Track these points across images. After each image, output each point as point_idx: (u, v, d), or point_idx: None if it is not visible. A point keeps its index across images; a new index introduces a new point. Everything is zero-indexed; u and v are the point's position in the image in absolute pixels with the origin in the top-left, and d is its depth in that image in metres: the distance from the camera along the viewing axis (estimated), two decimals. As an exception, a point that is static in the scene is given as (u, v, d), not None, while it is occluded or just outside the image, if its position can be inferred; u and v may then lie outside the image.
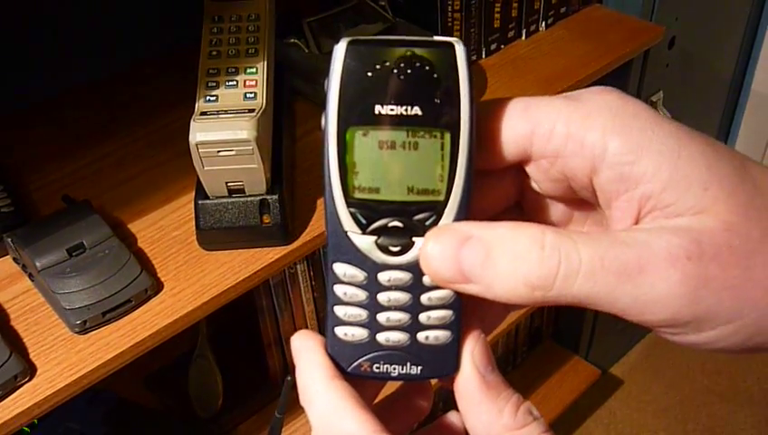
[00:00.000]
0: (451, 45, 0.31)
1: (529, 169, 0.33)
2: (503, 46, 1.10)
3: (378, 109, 0.31)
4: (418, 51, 0.31)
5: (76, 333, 0.70)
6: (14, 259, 0.76)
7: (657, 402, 1.75)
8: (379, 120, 0.31)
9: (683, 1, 1.29)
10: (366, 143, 0.31)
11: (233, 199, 0.75)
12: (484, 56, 1.08)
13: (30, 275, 0.74)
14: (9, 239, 0.74)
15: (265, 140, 0.73)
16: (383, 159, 0.32)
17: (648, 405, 1.75)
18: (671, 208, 0.29)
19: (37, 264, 0.71)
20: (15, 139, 0.93)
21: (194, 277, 0.75)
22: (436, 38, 0.31)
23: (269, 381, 1.08)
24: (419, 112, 0.31)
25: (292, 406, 1.12)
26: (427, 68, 0.31)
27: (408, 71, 0.31)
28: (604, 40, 1.13)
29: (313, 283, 1.02)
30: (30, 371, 0.67)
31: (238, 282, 0.75)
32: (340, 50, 0.31)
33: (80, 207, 0.78)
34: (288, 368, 1.07)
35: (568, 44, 1.12)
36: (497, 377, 0.33)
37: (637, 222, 0.30)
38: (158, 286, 0.74)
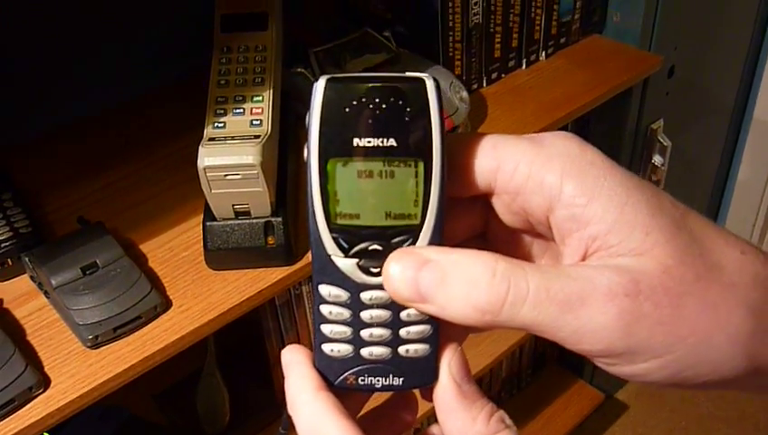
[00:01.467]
0: (422, 81, 0.33)
1: (493, 200, 0.36)
2: (503, 75, 1.14)
3: (356, 141, 0.33)
4: (392, 86, 0.33)
5: (88, 347, 0.73)
6: (31, 277, 0.80)
7: (661, 428, 1.76)
8: (357, 152, 0.33)
9: (681, 31, 1.32)
10: (346, 173, 0.34)
11: (239, 221, 0.78)
12: (485, 85, 1.11)
13: (45, 293, 0.78)
14: (26, 258, 0.78)
15: (270, 164, 0.76)
16: (362, 188, 0.34)
17: (652, 430, 1.75)
18: (614, 249, 0.31)
19: (53, 281, 0.75)
20: (34, 164, 0.97)
21: (201, 295, 0.78)
22: (408, 74, 0.34)
23: (275, 400, 1.10)
24: (394, 143, 0.33)
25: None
26: (401, 102, 0.33)
27: (383, 105, 0.33)
28: (603, 69, 1.16)
29: (318, 303, 1.05)
30: (44, 383, 0.70)
31: (243, 300, 0.78)
32: (319, 87, 0.33)
33: (93, 229, 0.81)
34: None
35: (567, 74, 1.15)
36: (472, 387, 0.35)
37: (584, 259, 0.33)
38: (167, 304, 0.77)
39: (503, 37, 1.10)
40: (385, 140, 0.33)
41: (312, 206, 0.34)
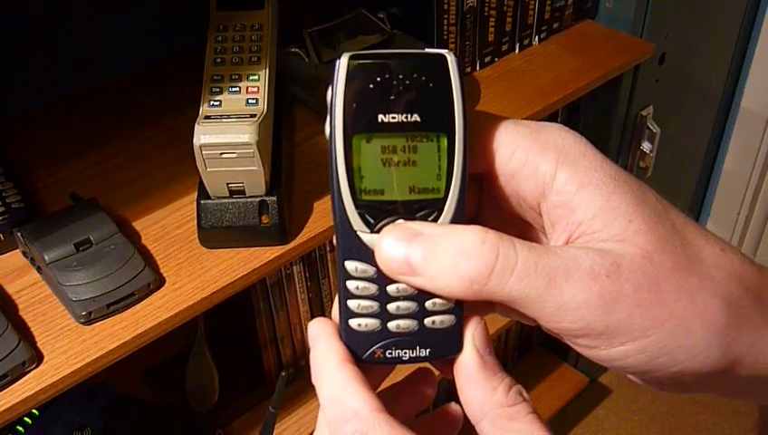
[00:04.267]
0: (443, 56, 0.34)
1: (488, 180, 0.37)
2: (496, 59, 1.14)
3: (380, 117, 0.34)
4: (414, 62, 0.34)
5: (81, 323, 0.73)
6: (23, 253, 0.80)
7: (643, 412, 1.78)
8: (381, 128, 0.34)
9: (673, 19, 1.33)
10: (370, 149, 0.34)
11: (233, 200, 0.78)
12: (478, 68, 1.12)
13: (38, 268, 0.78)
14: (19, 234, 0.78)
15: (266, 143, 0.76)
16: (386, 163, 0.34)
17: (634, 414, 1.77)
18: (597, 234, 0.33)
19: (45, 257, 0.75)
20: (27, 138, 0.97)
21: (194, 274, 0.78)
22: (429, 50, 0.35)
23: (264, 379, 1.11)
24: (418, 119, 0.34)
25: (286, 402, 1.16)
26: (423, 78, 0.34)
27: (407, 82, 0.34)
28: (595, 55, 1.16)
29: (309, 284, 1.06)
30: (37, 358, 0.70)
31: (236, 279, 0.78)
32: (342, 64, 0.34)
33: (87, 205, 0.81)
34: (282, 365, 1.11)
35: (559, 58, 1.15)
36: (494, 359, 0.36)
37: (568, 243, 0.34)
38: (160, 281, 0.77)
39: (496, 21, 1.10)
40: (409, 115, 0.34)
41: (338, 183, 0.35)
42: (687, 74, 1.49)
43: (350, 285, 0.36)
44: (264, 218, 0.79)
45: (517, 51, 1.16)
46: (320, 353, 0.36)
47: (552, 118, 1.34)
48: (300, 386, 1.10)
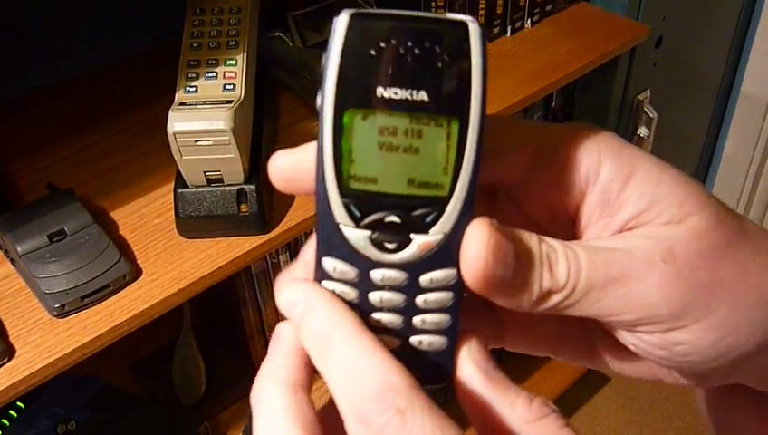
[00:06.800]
0: (464, 24, 0.28)
1: (515, 190, 0.33)
2: (487, 43, 1.11)
3: (380, 91, 0.28)
4: (428, 29, 0.28)
5: (55, 316, 0.72)
6: (-3, 244, 0.78)
7: (642, 399, 1.76)
8: (380, 104, 0.28)
9: (670, 1, 1.30)
10: (365, 128, 0.28)
11: (211, 189, 0.76)
12: (468, 52, 1.09)
13: (11, 260, 0.76)
14: (-8, 225, 0.76)
15: (244, 130, 0.74)
16: (383, 147, 0.29)
17: (633, 402, 1.76)
18: (649, 224, 0.31)
19: (18, 249, 0.73)
20: (3, 129, 0.95)
21: (172, 264, 0.76)
22: (449, 15, 0.28)
23: (251, 370, 1.09)
24: (425, 98, 0.28)
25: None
26: (437, 48, 0.28)
27: (416, 51, 0.28)
28: (589, 37, 1.14)
29: (296, 273, 1.04)
30: (9, 352, 0.69)
31: (215, 269, 0.76)
32: (341, 23, 0.28)
33: (62, 195, 0.79)
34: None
35: (553, 42, 1.13)
36: (500, 373, 0.31)
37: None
38: (136, 272, 0.75)
39: (487, 3, 1.08)
40: (415, 92, 0.28)
41: (323, 164, 0.29)
42: (685, 58, 1.47)
43: (327, 286, 0.30)
44: (243, 207, 0.77)
45: (509, 34, 1.14)
46: (322, 318, 0.29)
47: (546, 103, 1.32)
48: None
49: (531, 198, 0.33)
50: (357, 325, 0.29)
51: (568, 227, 0.33)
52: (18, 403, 1.01)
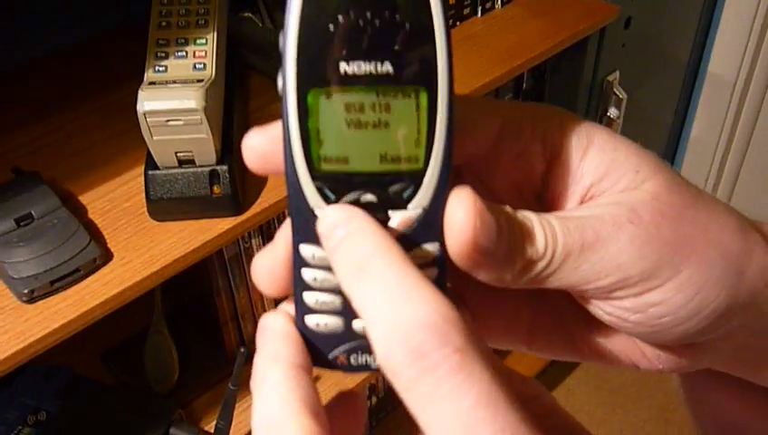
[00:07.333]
0: None
1: (486, 164, 0.34)
2: (458, 23, 1.11)
3: (342, 67, 0.27)
4: None
5: (24, 302, 0.70)
6: (-38, 230, 0.76)
7: (614, 380, 1.78)
8: (344, 80, 0.27)
9: (638, -19, 1.31)
10: (330, 106, 0.28)
11: (183, 170, 0.75)
12: (439, 33, 1.09)
13: (-22, 246, 0.74)
14: (-44, 210, 0.74)
15: (215, 110, 0.73)
16: (351, 125, 0.28)
17: (605, 383, 1.78)
18: (608, 192, 0.32)
19: (-16, 233, 0.71)
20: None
21: (144, 247, 0.75)
22: None
23: (225, 357, 1.08)
24: (390, 69, 0.27)
25: (247, 379, 1.13)
26: (398, 17, 0.27)
27: (376, 21, 0.27)
28: (559, 18, 1.14)
29: (269, 257, 1.03)
30: (-24, 339, 0.67)
31: (188, 252, 0.75)
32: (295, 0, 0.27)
33: (29, 178, 0.78)
34: (245, 342, 1.08)
35: (523, 22, 1.13)
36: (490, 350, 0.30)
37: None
38: (107, 256, 0.74)
39: (457, -17, 1.07)
40: (379, 64, 0.27)
41: (290, 148, 0.28)
42: (654, 39, 1.47)
43: (307, 274, 0.29)
44: (216, 189, 0.76)
45: (479, 14, 1.13)
46: (367, 238, 0.28)
47: (517, 84, 1.32)
48: (263, 363, 1.08)
49: (498, 173, 0.33)
50: (405, 256, 0.27)
51: (533, 205, 0.33)
52: (-15, 394, 0.99)
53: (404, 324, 0.25)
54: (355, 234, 0.27)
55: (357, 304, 0.26)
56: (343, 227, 0.28)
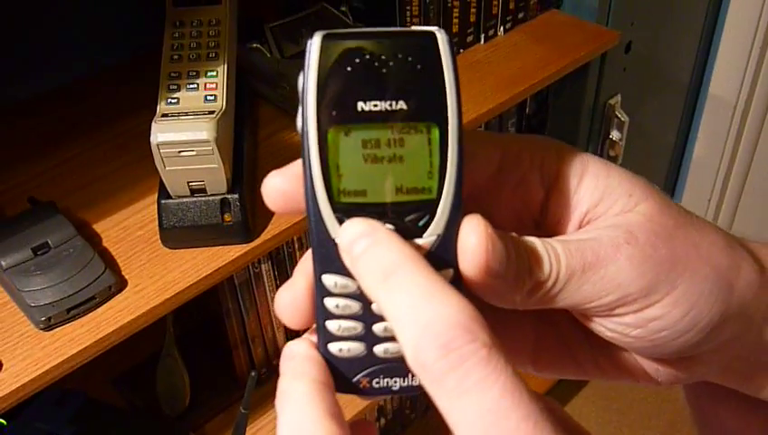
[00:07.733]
0: (432, 34, 0.30)
1: (492, 194, 0.35)
2: (461, 50, 1.13)
3: (360, 105, 0.29)
4: (399, 42, 0.30)
5: (41, 329, 0.72)
6: (-20, 259, 0.78)
7: (621, 399, 1.78)
8: (361, 118, 0.29)
9: (638, 7, 1.33)
10: (349, 143, 0.30)
11: (194, 199, 0.77)
12: (443, 60, 1.11)
13: (-4, 275, 0.76)
14: (-25, 240, 0.76)
15: (226, 140, 0.75)
16: (368, 160, 0.30)
17: (612, 403, 1.77)
18: (603, 217, 0.34)
19: (2, 263, 0.73)
20: (-17, 142, 0.95)
21: (157, 275, 0.77)
22: (416, 28, 0.30)
23: (235, 380, 1.09)
24: (404, 106, 0.29)
25: (259, 402, 1.15)
26: (410, 59, 0.29)
27: (390, 63, 0.29)
28: (561, 44, 1.16)
29: (278, 282, 1.05)
30: (-4, 366, 0.69)
31: (200, 279, 0.77)
32: (314, 45, 0.29)
33: (45, 208, 0.79)
34: (255, 365, 1.09)
35: (525, 48, 1.15)
36: None
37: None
38: (121, 284, 0.76)
39: (460, 12, 1.09)
40: (393, 102, 0.29)
41: (312, 183, 0.30)
42: (654, 62, 1.49)
43: (329, 303, 0.31)
44: (227, 217, 0.78)
45: (482, 42, 1.15)
46: (392, 247, 0.29)
47: (520, 108, 1.34)
48: (272, 386, 1.08)
49: (499, 202, 0.35)
50: (428, 264, 0.28)
51: (533, 232, 0.35)
52: (0, 420, 1.00)
53: (434, 323, 0.26)
54: (380, 243, 0.29)
55: (384, 308, 0.28)
56: (367, 238, 0.29)
